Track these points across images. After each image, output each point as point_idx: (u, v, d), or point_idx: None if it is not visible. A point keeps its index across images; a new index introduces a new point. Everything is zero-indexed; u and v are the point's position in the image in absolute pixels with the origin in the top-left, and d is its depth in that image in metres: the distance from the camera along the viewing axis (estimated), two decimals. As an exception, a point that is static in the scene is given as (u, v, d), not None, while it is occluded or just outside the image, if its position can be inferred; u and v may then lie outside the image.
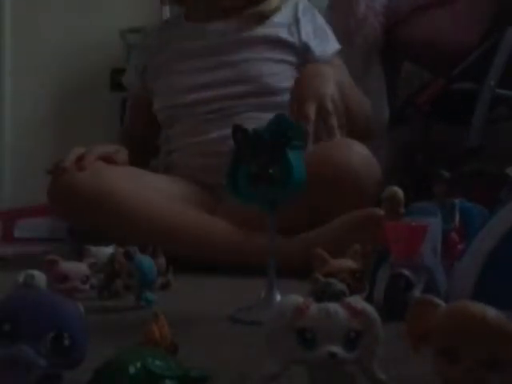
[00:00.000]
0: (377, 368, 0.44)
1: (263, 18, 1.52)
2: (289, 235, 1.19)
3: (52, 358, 0.44)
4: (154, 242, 1.00)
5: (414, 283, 0.77)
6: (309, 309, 0.43)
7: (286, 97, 1.34)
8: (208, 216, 1.31)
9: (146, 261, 0.87)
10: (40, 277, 0.84)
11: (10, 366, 0.44)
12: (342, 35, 1.62)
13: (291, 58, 1.50)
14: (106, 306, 0.88)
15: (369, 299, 0.73)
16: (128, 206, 1.28)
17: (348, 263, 0.82)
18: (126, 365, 0.44)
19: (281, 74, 1.47)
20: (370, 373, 0.44)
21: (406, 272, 0.77)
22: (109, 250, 1.00)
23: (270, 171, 0.73)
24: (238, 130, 0.75)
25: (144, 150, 1.62)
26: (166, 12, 2.28)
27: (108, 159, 1.38)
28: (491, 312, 0.40)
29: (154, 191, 1.35)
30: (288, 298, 0.45)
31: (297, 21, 1.51)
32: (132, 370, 0.43)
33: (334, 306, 0.43)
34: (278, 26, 1.51)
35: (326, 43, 1.53)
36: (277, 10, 1.53)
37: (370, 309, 0.44)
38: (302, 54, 1.50)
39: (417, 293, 0.75)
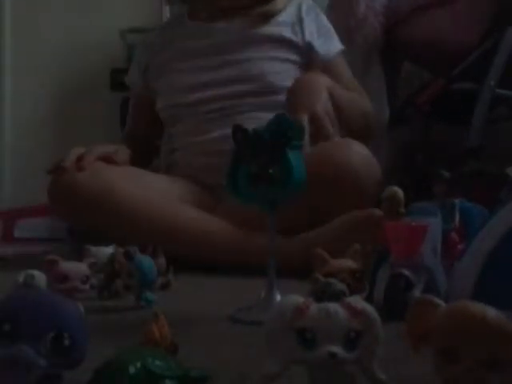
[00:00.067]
0: (377, 368, 0.44)
1: (268, 17, 1.52)
2: (289, 235, 1.19)
3: (52, 358, 0.44)
4: (154, 241, 1.00)
5: (414, 283, 0.77)
6: (309, 309, 0.43)
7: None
8: (208, 216, 1.31)
9: (146, 261, 0.87)
10: (40, 277, 0.84)
11: (10, 366, 0.44)
12: (342, 35, 1.62)
13: (295, 57, 1.50)
14: (106, 306, 0.88)
15: (369, 299, 0.73)
16: (128, 206, 1.28)
17: (348, 263, 0.82)
18: (125, 365, 0.44)
19: (284, 73, 1.48)
20: (369, 373, 0.44)
21: (406, 272, 0.77)
22: (109, 250, 1.00)
23: (270, 171, 0.73)
24: (238, 130, 0.75)
25: (147, 150, 1.62)
26: (166, 12, 2.28)
27: (108, 159, 1.38)
28: (491, 312, 0.40)
29: (154, 191, 1.35)
30: (288, 298, 0.45)
31: (300, 20, 1.52)
32: (132, 370, 0.43)
33: (334, 306, 0.43)
34: (281, 25, 1.52)
35: (329, 43, 1.54)
36: (282, 9, 1.53)
37: (370, 309, 0.44)
38: (306, 54, 1.51)
39: (417, 293, 0.75)
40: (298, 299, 0.44)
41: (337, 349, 0.42)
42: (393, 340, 0.49)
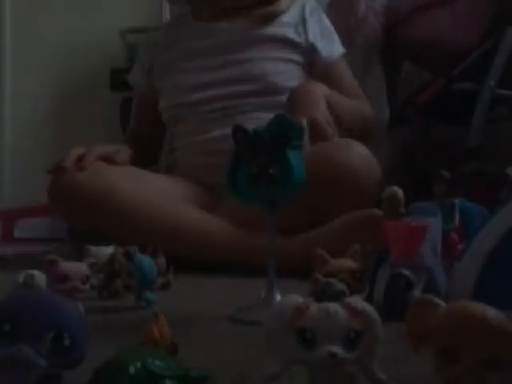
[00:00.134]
0: (377, 368, 0.44)
1: (271, 17, 1.52)
2: (289, 235, 1.19)
3: (52, 358, 0.44)
4: (155, 241, 1.00)
5: (414, 283, 0.77)
6: (309, 309, 0.43)
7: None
8: (208, 216, 1.31)
9: (146, 261, 0.87)
10: (40, 277, 0.84)
11: (10, 366, 0.44)
12: (342, 35, 1.63)
13: (298, 58, 1.51)
14: (106, 306, 0.88)
15: (369, 299, 0.73)
16: (128, 206, 1.28)
17: (348, 263, 0.82)
18: (126, 365, 0.44)
19: (286, 74, 1.48)
20: (369, 373, 0.44)
21: (406, 272, 0.77)
22: (109, 250, 1.00)
23: (270, 171, 0.73)
24: (238, 130, 0.75)
25: (149, 150, 1.63)
26: (166, 12, 2.29)
27: (108, 159, 1.38)
28: (491, 312, 0.40)
29: (154, 191, 1.35)
30: (288, 298, 0.45)
31: (304, 21, 1.53)
32: (132, 370, 0.43)
33: (334, 306, 0.43)
34: (284, 25, 1.52)
35: (332, 45, 1.55)
36: (285, 10, 1.54)
37: (370, 309, 0.44)
38: (309, 54, 1.52)
39: (417, 293, 0.75)
40: (297, 299, 0.44)
41: (337, 349, 0.42)
42: (393, 340, 0.49)
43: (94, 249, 1.02)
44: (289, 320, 0.43)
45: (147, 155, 1.58)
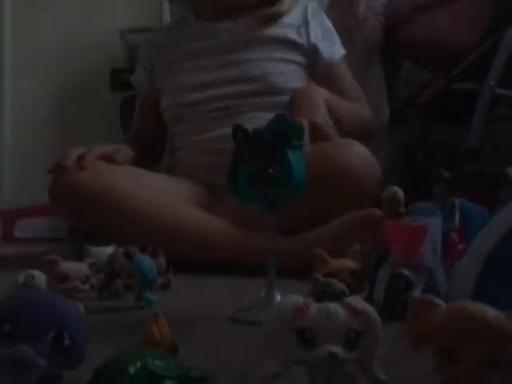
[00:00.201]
0: (377, 368, 0.44)
1: (273, 18, 1.53)
2: (289, 235, 1.19)
3: (52, 358, 0.44)
4: (155, 241, 1.00)
5: (414, 283, 0.77)
6: (309, 309, 0.43)
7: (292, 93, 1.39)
8: (209, 216, 1.31)
9: (146, 261, 0.87)
10: (40, 277, 0.84)
11: (10, 366, 0.44)
12: (342, 35, 1.63)
13: (299, 59, 1.52)
14: (106, 306, 0.88)
15: (369, 299, 0.73)
16: (129, 206, 1.28)
17: (348, 263, 0.82)
18: (126, 365, 0.44)
19: (288, 74, 1.49)
20: (369, 373, 0.44)
21: (406, 272, 0.77)
22: (109, 249, 1.00)
23: (270, 171, 0.73)
24: (238, 130, 0.75)
25: (152, 150, 1.63)
26: (166, 12, 2.28)
27: (108, 158, 1.38)
28: (491, 312, 0.40)
29: (154, 191, 1.35)
30: (288, 298, 0.45)
31: (306, 23, 1.54)
32: (132, 370, 0.43)
33: (334, 306, 0.43)
34: (287, 26, 1.53)
35: (333, 46, 1.56)
36: (287, 12, 1.55)
37: (370, 309, 0.44)
38: (310, 55, 1.53)
39: (417, 293, 0.75)
40: (297, 299, 0.44)
41: (337, 349, 0.42)
42: (393, 340, 0.49)
43: (94, 249, 1.02)
44: (289, 320, 0.43)
45: (150, 155, 1.59)
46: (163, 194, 1.35)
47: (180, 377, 0.45)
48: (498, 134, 1.76)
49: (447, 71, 1.65)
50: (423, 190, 1.10)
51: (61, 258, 0.87)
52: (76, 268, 0.87)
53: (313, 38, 1.52)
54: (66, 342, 0.45)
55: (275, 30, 1.53)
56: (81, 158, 1.33)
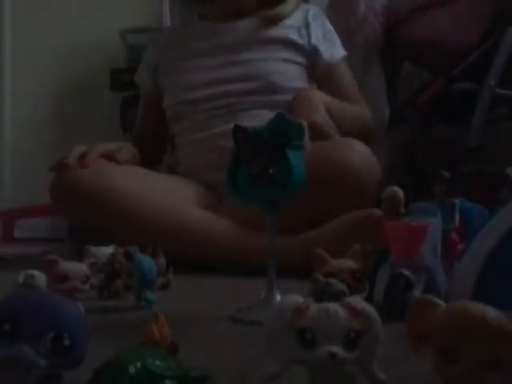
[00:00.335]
0: (377, 368, 0.44)
1: (276, 20, 1.54)
2: (289, 235, 1.19)
3: (52, 358, 0.44)
4: (158, 241, 1.00)
5: (414, 283, 0.77)
6: (309, 309, 0.43)
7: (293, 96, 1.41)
8: (213, 216, 1.32)
9: (146, 261, 0.87)
10: (40, 277, 0.84)
11: (10, 366, 0.44)
12: (342, 35, 1.63)
13: (300, 59, 1.53)
14: (106, 306, 0.88)
15: (369, 299, 0.73)
16: (130, 205, 1.29)
17: (348, 263, 0.82)
18: (126, 365, 0.44)
19: (288, 74, 1.50)
20: (370, 373, 0.44)
21: (406, 272, 0.77)
22: (109, 249, 1.00)
23: (270, 171, 0.73)
24: (238, 130, 0.75)
25: (154, 149, 1.64)
26: (166, 12, 2.28)
27: (110, 157, 1.38)
28: (491, 312, 0.40)
29: (156, 190, 1.35)
30: (288, 298, 0.45)
31: (307, 25, 1.55)
32: (132, 370, 0.43)
33: (334, 306, 0.43)
34: (288, 27, 1.55)
35: (333, 48, 1.58)
36: (289, 14, 1.56)
37: (370, 309, 0.44)
38: (311, 56, 1.54)
39: (417, 293, 0.75)
40: (297, 299, 0.44)
41: (337, 349, 0.42)
42: (393, 340, 0.49)
43: (94, 249, 1.02)
44: (289, 320, 0.43)
45: (151, 155, 1.59)
46: (166, 194, 1.35)
47: (180, 377, 0.45)
48: (498, 134, 1.76)
49: (447, 71, 1.65)
50: (423, 190, 1.10)
51: (61, 257, 0.87)
52: (76, 268, 0.87)
53: (314, 40, 1.54)
54: (66, 342, 0.45)
55: (277, 31, 1.54)
56: (83, 155, 1.33)
